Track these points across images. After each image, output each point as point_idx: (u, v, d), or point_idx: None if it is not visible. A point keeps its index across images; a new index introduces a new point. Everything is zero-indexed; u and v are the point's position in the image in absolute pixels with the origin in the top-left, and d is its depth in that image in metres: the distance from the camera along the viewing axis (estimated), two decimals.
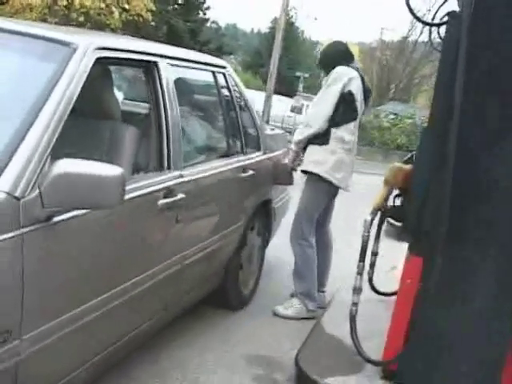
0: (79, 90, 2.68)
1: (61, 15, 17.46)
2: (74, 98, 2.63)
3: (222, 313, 4.67)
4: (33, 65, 2.83)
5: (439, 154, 3.13)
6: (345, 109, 4.64)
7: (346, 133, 4.68)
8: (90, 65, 2.81)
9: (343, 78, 4.63)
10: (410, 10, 3.39)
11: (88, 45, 2.86)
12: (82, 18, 17.13)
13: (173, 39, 26.10)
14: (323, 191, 4.78)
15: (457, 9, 3.34)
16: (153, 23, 19.52)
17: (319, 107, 4.68)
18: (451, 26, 3.30)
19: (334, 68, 4.69)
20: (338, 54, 4.81)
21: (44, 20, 16.95)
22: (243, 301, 4.88)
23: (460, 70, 3.00)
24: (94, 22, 17.80)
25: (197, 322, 4.39)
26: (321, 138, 4.64)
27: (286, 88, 33.05)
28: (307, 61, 42.13)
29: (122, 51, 3.24)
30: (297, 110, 26.55)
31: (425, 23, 4.17)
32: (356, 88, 4.67)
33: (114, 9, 17.53)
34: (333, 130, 4.63)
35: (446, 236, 3.08)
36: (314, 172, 4.69)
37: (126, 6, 17.90)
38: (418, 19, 3.91)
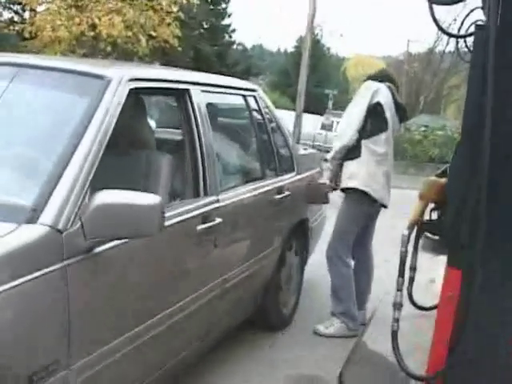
0: (115, 121, 2.74)
1: (89, 46, 17.72)
2: (111, 130, 2.69)
3: (264, 334, 4.68)
4: (68, 99, 2.90)
5: (473, 165, 3.12)
6: (374, 120, 4.65)
7: (377, 144, 4.68)
8: (124, 96, 2.87)
9: (370, 89, 4.66)
10: (436, 22, 3.39)
11: (121, 77, 2.91)
12: (109, 48, 17.36)
13: (200, 63, 26.34)
14: (360, 206, 4.77)
15: (483, 18, 3.34)
16: (180, 49, 19.67)
17: (348, 120, 4.71)
18: (478, 36, 3.30)
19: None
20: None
21: (72, 51, 17.23)
22: (284, 321, 4.88)
23: (490, 80, 3.00)
24: (122, 51, 18.02)
25: (238, 345, 4.40)
26: (353, 152, 4.66)
27: (315, 106, 33.08)
28: (335, 77, 42.19)
29: (154, 81, 3.30)
30: (327, 127, 26.60)
31: (451, 35, 4.18)
32: (385, 100, 4.69)
33: (140, 37, 17.74)
34: (363, 142, 4.65)
35: (484, 248, 3.07)
36: (349, 186, 4.71)
37: (153, 34, 18.10)
38: (444, 31, 3.91)
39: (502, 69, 3.02)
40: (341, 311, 4.83)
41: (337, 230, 4.83)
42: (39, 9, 18.63)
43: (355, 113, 4.67)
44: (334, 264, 4.82)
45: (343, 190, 4.79)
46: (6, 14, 25.64)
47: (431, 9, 3.34)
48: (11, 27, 18.62)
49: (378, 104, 4.64)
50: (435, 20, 3.38)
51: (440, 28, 3.58)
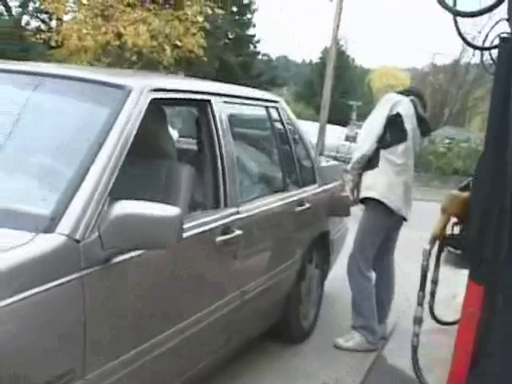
0: (135, 131, 2.73)
1: (114, 55, 17.82)
2: (131, 140, 2.68)
3: (283, 346, 4.65)
4: (89, 109, 2.90)
5: (497, 178, 3.08)
6: (393, 131, 4.64)
7: (396, 155, 4.65)
8: (145, 106, 2.86)
9: (390, 101, 4.67)
10: (460, 34, 3.36)
11: (142, 87, 2.91)
12: (134, 57, 17.44)
13: (225, 74, 26.40)
14: (378, 217, 4.74)
15: (508, 30, 3.30)
16: (205, 58, 19.73)
17: (367, 130, 4.72)
18: (503, 49, 3.26)
19: None
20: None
21: (98, 60, 17.34)
22: (304, 333, 4.86)
23: None
24: (147, 60, 18.10)
25: (258, 357, 4.37)
26: (372, 162, 4.65)
27: (340, 117, 33.04)
28: (359, 89, 42.14)
29: (175, 91, 3.30)
30: (351, 138, 26.51)
31: (475, 47, 4.14)
32: (405, 112, 4.67)
33: (166, 46, 17.80)
34: (382, 152, 4.64)
35: (507, 263, 3.02)
36: (367, 196, 4.69)
37: (178, 43, 18.16)
38: (468, 43, 3.88)
39: None
40: (361, 325, 4.79)
41: (357, 242, 4.80)
42: (66, 18, 18.77)
43: (374, 123, 4.66)
44: (354, 276, 4.79)
45: (362, 201, 4.76)
46: (34, 23, 25.91)
47: (455, 21, 3.32)
48: (38, 36, 18.76)
49: (398, 115, 4.62)
50: (459, 32, 3.36)
51: (464, 40, 3.56)
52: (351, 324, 4.91)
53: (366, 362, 4.34)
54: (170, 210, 2.42)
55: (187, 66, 21.49)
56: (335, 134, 27.31)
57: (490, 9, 3.05)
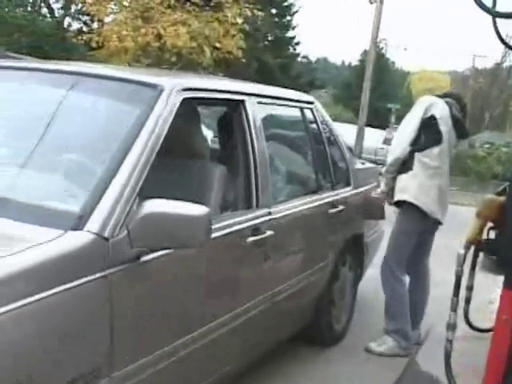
0: (166, 130, 2.73)
1: (154, 56, 17.94)
2: (162, 139, 2.68)
3: (315, 349, 4.62)
4: (121, 107, 2.92)
5: None
6: (427, 133, 4.59)
7: (430, 157, 4.60)
8: (177, 105, 2.86)
9: (425, 103, 4.62)
10: (499, 36, 3.31)
11: (174, 86, 2.92)
12: (174, 58, 17.54)
13: (264, 75, 26.42)
14: (412, 221, 4.68)
15: None
16: (244, 60, 19.76)
17: (401, 133, 4.68)
18: None
19: None
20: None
21: (138, 61, 17.49)
22: (336, 337, 4.82)
23: None
24: (186, 62, 18.19)
25: (289, 359, 4.35)
26: (406, 165, 4.61)
27: (378, 120, 32.88)
28: (399, 92, 41.89)
29: (207, 91, 3.30)
30: (389, 141, 26.37)
31: None
32: (440, 114, 4.61)
33: (205, 47, 17.87)
34: (416, 155, 4.59)
35: None
36: (400, 199, 4.65)
37: (217, 45, 18.22)
38: (508, 46, 3.82)
39: None
40: (393, 329, 4.74)
41: (390, 245, 4.76)
42: (107, 19, 18.96)
43: (408, 126, 4.62)
44: (387, 280, 4.75)
45: (396, 204, 4.72)
46: (76, 25, 26.25)
47: (494, 22, 3.26)
48: (79, 37, 18.97)
49: (433, 117, 4.57)
50: (498, 33, 3.31)
51: (503, 41, 3.50)
52: (384, 328, 4.86)
53: (397, 367, 4.28)
54: (199, 209, 2.41)
55: (226, 67, 21.55)
56: (374, 137, 27.21)
57: None
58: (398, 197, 4.66)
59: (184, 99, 2.93)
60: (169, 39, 16.98)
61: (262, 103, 3.75)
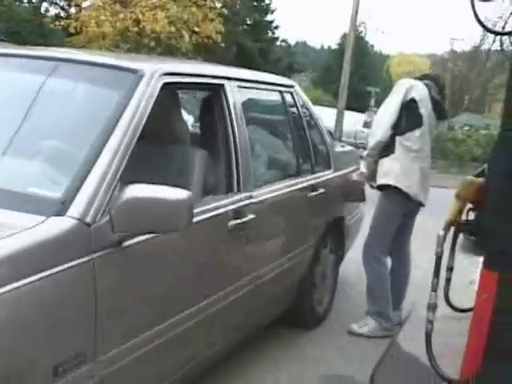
0: (147, 115, 2.73)
1: (132, 41, 17.88)
2: (142, 124, 2.68)
3: (297, 332, 4.65)
4: (101, 93, 2.91)
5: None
6: (408, 116, 4.61)
7: (412, 141, 4.63)
8: (157, 90, 2.86)
9: (404, 86, 4.63)
10: (478, 20, 3.33)
11: (154, 71, 2.91)
12: (153, 43, 17.49)
13: (243, 59, 26.37)
14: (395, 204, 4.71)
15: None
16: (223, 45, 19.73)
17: (381, 116, 4.68)
18: None
19: None
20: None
21: (117, 46, 17.42)
22: (318, 319, 4.86)
23: None
24: (165, 46, 18.14)
25: (271, 341, 4.38)
26: (387, 149, 4.63)
27: (358, 103, 32.90)
28: (378, 75, 41.92)
29: (188, 76, 3.29)
30: (369, 124, 26.44)
31: (494, 33, 4.09)
32: (420, 96, 4.63)
33: (184, 32, 17.83)
34: (397, 139, 4.61)
35: None
36: (383, 183, 4.67)
37: (196, 29, 18.17)
38: (487, 28, 3.84)
39: None
40: (375, 311, 4.79)
41: (373, 228, 4.79)
42: (84, 4, 18.86)
43: (389, 109, 4.63)
44: (370, 263, 4.79)
45: (379, 187, 4.74)
46: (53, 10, 26.03)
47: (473, 5, 3.28)
48: (57, 22, 18.85)
49: (413, 100, 4.59)
50: (477, 16, 3.32)
51: (481, 24, 3.52)
52: (366, 310, 4.91)
53: (378, 349, 4.30)
54: (180, 193, 2.42)
55: (205, 52, 21.50)
56: (353, 121, 27.24)
57: None
58: (381, 181, 4.68)
59: (164, 84, 2.93)
60: (147, 24, 16.95)
61: (242, 87, 3.74)
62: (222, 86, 3.50)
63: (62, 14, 25.10)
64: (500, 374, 3.20)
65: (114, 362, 2.43)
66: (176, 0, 17.64)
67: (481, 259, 3.47)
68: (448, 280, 3.93)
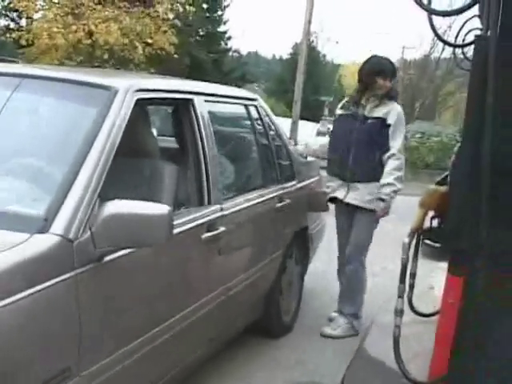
0: (122, 131, 2.77)
1: (85, 53, 17.74)
2: (118, 140, 2.72)
3: (265, 340, 4.71)
4: (77, 110, 2.93)
5: (474, 173, 3.15)
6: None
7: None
8: (131, 106, 2.90)
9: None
10: (436, 33, 3.43)
11: (128, 87, 2.95)
12: (106, 55, 17.38)
13: (196, 70, 26.37)
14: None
15: (479, 26, 3.37)
16: (176, 56, 19.71)
17: (400, 149, 4.80)
18: (478, 46, 3.33)
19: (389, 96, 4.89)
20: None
21: (69, 59, 17.25)
22: (285, 328, 4.92)
23: (490, 91, 3.03)
24: (118, 58, 18.03)
25: (241, 351, 4.43)
26: (379, 174, 4.78)
27: (311, 113, 33.10)
28: (330, 84, 42.25)
29: (159, 91, 3.34)
30: (322, 134, 26.65)
31: (451, 45, 4.22)
32: None
33: (137, 44, 17.75)
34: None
35: (487, 256, 3.10)
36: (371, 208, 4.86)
37: (149, 41, 18.11)
38: (444, 41, 3.97)
39: (502, 77, 3.07)
40: (352, 312, 5.00)
41: (361, 244, 4.98)
42: (36, 16, 18.63)
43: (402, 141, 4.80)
44: (359, 272, 5.00)
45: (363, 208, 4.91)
46: (3, 22, 25.66)
47: (430, 19, 3.38)
48: (8, 34, 18.61)
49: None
50: (434, 30, 3.43)
51: (439, 38, 3.64)
52: (338, 313, 5.08)
53: (345, 354, 4.40)
54: (161, 208, 2.47)
55: (158, 63, 21.41)
56: (307, 130, 27.38)
57: (467, 8, 3.13)
58: (370, 206, 4.86)
59: (138, 100, 2.97)
60: (100, 36, 16.82)
61: (210, 101, 3.80)
62: (191, 100, 3.55)
63: (13, 25, 24.77)
64: (468, 375, 3.30)
65: (98, 375, 2.46)
66: (129, 12, 17.56)
67: (439, 264, 3.58)
68: (411, 286, 4.03)
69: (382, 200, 4.70)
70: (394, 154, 4.72)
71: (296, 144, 16.30)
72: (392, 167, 4.72)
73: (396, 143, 4.75)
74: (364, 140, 4.77)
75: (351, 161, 4.82)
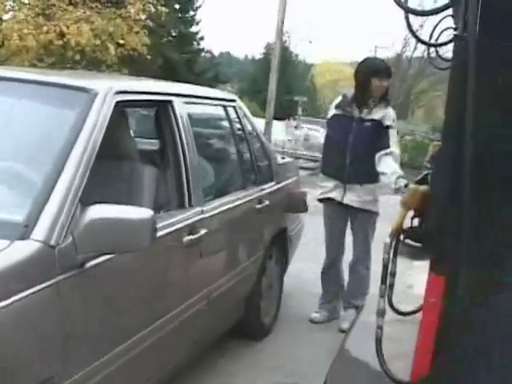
0: (102, 134, 2.73)
1: (57, 54, 17.57)
2: (99, 143, 2.68)
3: (246, 342, 4.69)
4: (56, 113, 2.88)
5: (455, 172, 3.16)
6: None
7: None
8: (111, 109, 2.86)
9: None
10: (412, 33, 3.42)
11: (108, 90, 2.91)
12: (77, 56, 17.23)
13: (169, 71, 26.25)
14: None
15: (451, 25, 3.38)
16: (148, 57, 19.60)
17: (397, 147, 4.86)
18: (457, 46, 3.33)
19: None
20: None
21: (41, 60, 17.07)
22: (265, 329, 4.90)
23: (469, 92, 3.03)
24: (90, 59, 17.89)
25: (221, 354, 4.40)
26: (376, 176, 4.81)
27: (284, 112, 33.13)
28: (302, 84, 42.32)
29: (139, 93, 3.31)
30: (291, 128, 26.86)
31: (427, 44, 4.21)
32: None
33: (109, 45, 17.61)
34: None
35: (467, 256, 3.10)
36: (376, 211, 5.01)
37: (121, 42, 17.99)
38: (421, 41, 3.95)
39: (481, 77, 3.07)
40: (362, 304, 5.10)
41: (368, 244, 5.14)
42: (6, 17, 18.41)
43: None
44: (367, 268, 5.18)
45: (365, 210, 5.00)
46: None
47: (407, 18, 3.38)
48: None
49: None
50: (411, 29, 3.42)
51: (416, 37, 3.62)
52: (348, 306, 5.30)
53: (328, 354, 4.38)
54: (143, 213, 2.43)
55: (131, 64, 21.28)
56: (281, 130, 27.41)
57: (444, 8, 3.13)
58: (373, 207, 4.97)
59: (117, 102, 2.94)
60: (72, 37, 16.64)
61: (189, 103, 3.78)
62: (171, 102, 3.52)
63: None
64: (450, 374, 3.31)
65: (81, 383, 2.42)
66: (100, 13, 17.43)
67: (417, 264, 3.58)
68: (391, 285, 4.03)
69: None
70: (392, 152, 4.77)
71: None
72: (391, 160, 4.73)
73: (394, 144, 4.81)
74: (362, 141, 4.80)
75: (348, 162, 4.84)
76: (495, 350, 3.21)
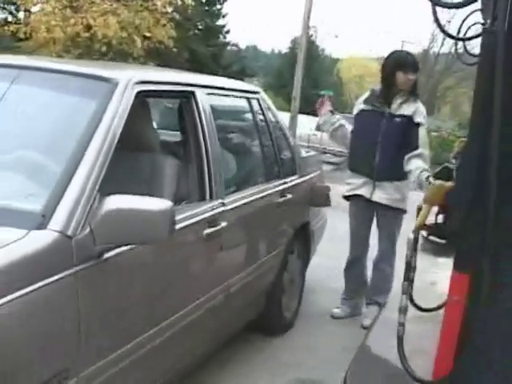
0: (123, 124, 2.70)
1: (83, 46, 17.65)
2: (119, 133, 2.65)
3: (266, 337, 4.66)
4: (76, 102, 2.86)
5: (480, 169, 3.10)
6: None
7: None
8: (132, 99, 2.84)
9: None
10: (439, 26, 3.37)
11: (129, 79, 2.88)
12: (104, 48, 17.29)
13: (195, 64, 26.27)
14: None
15: (480, 20, 3.31)
16: (174, 49, 19.63)
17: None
18: (486, 40, 3.27)
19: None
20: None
21: (67, 52, 17.17)
22: (287, 324, 4.87)
23: (497, 86, 2.97)
24: (117, 52, 17.95)
25: (242, 348, 4.37)
26: (405, 173, 4.76)
27: (309, 107, 33.00)
28: (328, 79, 42.14)
29: (160, 84, 3.28)
30: (322, 128, 26.58)
31: (454, 38, 4.13)
32: None
33: (135, 37, 17.66)
34: None
35: (493, 253, 3.05)
36: (403, 208, 4.97)
37: (148, 34, 18.03)
38: (449, 35, 3.89)
39: (509, 72, 3.01)
40: (385, 301, 5.08)
41: (394, 242, 5.08)
42: (34, 9, 18.54)
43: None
44: (392, 266, 5.15)
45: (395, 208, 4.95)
46: (1, 15, 25.53)
47: (435, 12, 3.32)
48: (5, 28, 18.50)
49: None
50: (439, 23, 3.36)
51: (443, 31, 3.56)
52: (370, 303, 5.25)
53: (347, 352, 4.32)
54: (162, 204, 2.40)
55: (157, 57, 21.34)
56: (306, 124, 27.29)
57: (473, 1, 3.07)
58: (402, 205, 4.95)
59: (138, 92, 2.91)
60: (99, 29, 16.71)
61: (212, 94, 3.74)
62: (193, 93, 3.48)
63: (10, 18, 24.63)
64: (471, 373, 3.25)
65: (97, 376, 2.39)
66: (127, 5, 17.47)
67: (441, 260, 3.53)
68: (411, 281, 3.98)
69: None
70: (421, 153, 4.70)
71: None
72: (421, 162, 4.66)
73: (423, 145, 4.74)
74: (392, 138, 4.73)
75: (378, 159, 4.77)
76: None
